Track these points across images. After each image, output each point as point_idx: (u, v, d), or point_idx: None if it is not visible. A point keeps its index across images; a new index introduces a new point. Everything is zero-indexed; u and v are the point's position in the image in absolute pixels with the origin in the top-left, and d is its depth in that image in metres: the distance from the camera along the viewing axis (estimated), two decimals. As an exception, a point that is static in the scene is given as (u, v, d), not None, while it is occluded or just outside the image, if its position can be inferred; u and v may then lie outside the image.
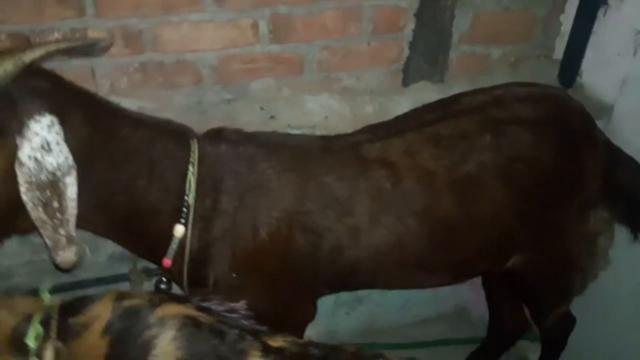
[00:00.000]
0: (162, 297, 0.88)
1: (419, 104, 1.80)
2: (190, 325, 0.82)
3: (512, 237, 1.49)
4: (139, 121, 1.23)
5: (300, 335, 1.56)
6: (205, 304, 0.89)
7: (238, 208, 1.27)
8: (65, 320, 0.83)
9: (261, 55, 1.65)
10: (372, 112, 1.77)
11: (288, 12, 1.61)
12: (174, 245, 1.25)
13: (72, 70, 1.36)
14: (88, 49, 1.15)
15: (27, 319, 0.82)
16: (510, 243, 1.52)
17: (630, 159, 1.59)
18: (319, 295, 1.51)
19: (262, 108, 1.68)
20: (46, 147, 1.00)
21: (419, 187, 1.36)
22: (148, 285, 1.61)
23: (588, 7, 1.81)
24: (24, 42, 1.40)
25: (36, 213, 1.04)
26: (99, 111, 1.18)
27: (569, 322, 1.89)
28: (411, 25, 1.77)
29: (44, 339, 0.81)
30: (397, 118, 1.51)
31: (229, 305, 0.91)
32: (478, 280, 2.02)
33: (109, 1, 1.46)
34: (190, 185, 1.22)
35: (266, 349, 0.82)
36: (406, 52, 1.82)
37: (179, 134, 1.26)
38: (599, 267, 1.67)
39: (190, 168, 1.22)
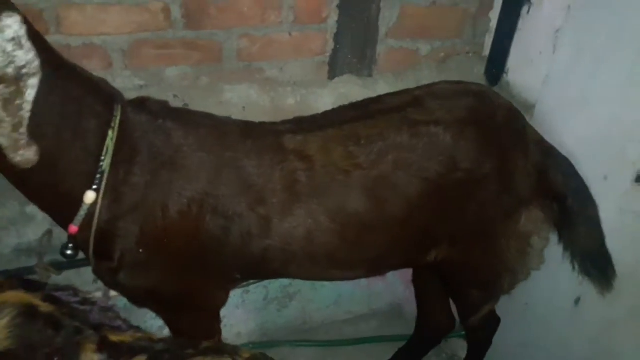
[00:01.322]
0: (13, 282, 0.84)
1: (342, 98, 1.79)
2: (26, 314, 0.78)
3: (428, 234, 1.48)
4: (77, 71, 1.20)
5: (212, 320, 1.54)
6: (56, 294, 0.85)
7: (150, 183, 1.24)
8: None
9: (175, 41, 1.60)
10: (294, 104, 1.74)
11: (201, -3, 1.56)
12: (82, 212, 1.21)
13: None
14: None
15: None
16: (427, 240, 1.50)
17: (565, 160, 1.57)
18: (230, 280, 1.49)
19: (175, 96, 1.63)
20: (17, 42, 0.99)
21: (332, 184, 1.34)
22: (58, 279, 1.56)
23: (512, 4, 1.81)
24: None
25: None
26: (48, 46, 1.14)
27: (493, 322, 1.90)
28: (335, 17, 1.74)
29: None
30: (324, 113, 1.49)
31: (83, 296, 0.88)
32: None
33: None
34: (107, 151, 1.18)
35: (103, 343, 0.79)
36: (331, 44, 1.79)
37: (107, 96, 1.23)
38: (531, 266, 1.66)
39: (110, 133, 1.19)
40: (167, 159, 1.25)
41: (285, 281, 2.15)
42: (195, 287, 1.42)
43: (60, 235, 1.34)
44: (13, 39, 0.98)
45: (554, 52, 1.69)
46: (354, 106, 1.48)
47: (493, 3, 1.92)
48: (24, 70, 1.01)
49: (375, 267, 1.59)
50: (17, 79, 1.01)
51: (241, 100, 1.70)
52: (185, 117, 1.32)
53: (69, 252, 1.30)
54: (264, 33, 1.69)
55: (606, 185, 1.57)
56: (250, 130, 1.36)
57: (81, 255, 1.32)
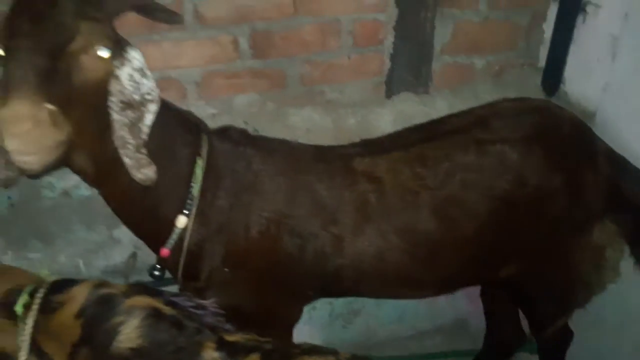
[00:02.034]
0: (137, 289, 0.93)
1: (401, 116, 1.84)
2: (153, 316, 0.87)
3: (499, 252, 1.49)
4: (168, 104, 1.27)
5: (287, 335, 1.58)
6: (174, 299, 0.94)
7: (233, 205, 1.31)
8: (48, 296, 0.89)
9: (243, 71, 1.70)
10: (355, 124, 1.80)
11: (266, 28, 1.65)
12: (174, 236, 1.27)
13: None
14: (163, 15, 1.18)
15: (20, 288, 0.89)
16: (497, 257, 1.51)
17: (637, 171, 1.54)
18: (305, 298, 1.54)
19: (246, 122, 1.72)
20: (142, 71, 1.10)
21: (401, 204, 1.38)
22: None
23: (567, 14, 1.83)
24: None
25: (121, 133, 1.11)
26: None
27: (566, 335, 1.85)
28: (391, 38, 1.81)
29: (29, 309, 0.86)
30: (390, 136, 1.53)
31: (196, 301, 0.96)
32: (477, 292, 2.01)
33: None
34: (196, 178, 1.26)
35: (221, 342, 0.87)
36: (387, 64, 1.86)
37: (195, 125, 1.31)
38: (606, 279, 1.62)
39: (199, 161, 1.26)
40: (248, 183, 1.32)
41: (349, 297, 2.18)
42: (274, 303, 1.47)
43: (143, 257, 1.43)
44: (140, 69, 1.09)
45: (613, 60, 1.69)
46: (417, 128, 1.52)
47: (546, 15, 1.94)
48: (147, 97, 1.11)
49: (445, 286, 1.60)
50: (141, 105, 1.11)
51: (305, 123, 1.78)
52: (263, 144, 1.40)
53: (156, 272, 1.37)
54: (325, 58, 1.77)
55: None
56: (321, 154, 1.42)
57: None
